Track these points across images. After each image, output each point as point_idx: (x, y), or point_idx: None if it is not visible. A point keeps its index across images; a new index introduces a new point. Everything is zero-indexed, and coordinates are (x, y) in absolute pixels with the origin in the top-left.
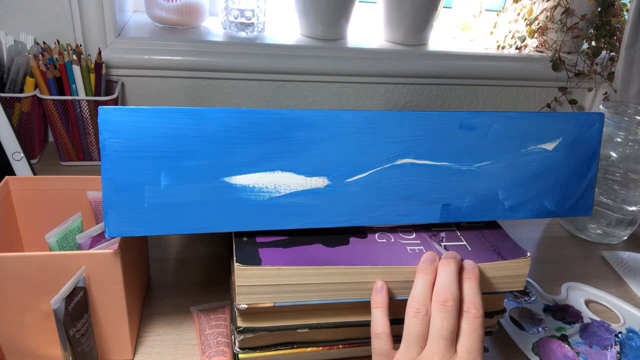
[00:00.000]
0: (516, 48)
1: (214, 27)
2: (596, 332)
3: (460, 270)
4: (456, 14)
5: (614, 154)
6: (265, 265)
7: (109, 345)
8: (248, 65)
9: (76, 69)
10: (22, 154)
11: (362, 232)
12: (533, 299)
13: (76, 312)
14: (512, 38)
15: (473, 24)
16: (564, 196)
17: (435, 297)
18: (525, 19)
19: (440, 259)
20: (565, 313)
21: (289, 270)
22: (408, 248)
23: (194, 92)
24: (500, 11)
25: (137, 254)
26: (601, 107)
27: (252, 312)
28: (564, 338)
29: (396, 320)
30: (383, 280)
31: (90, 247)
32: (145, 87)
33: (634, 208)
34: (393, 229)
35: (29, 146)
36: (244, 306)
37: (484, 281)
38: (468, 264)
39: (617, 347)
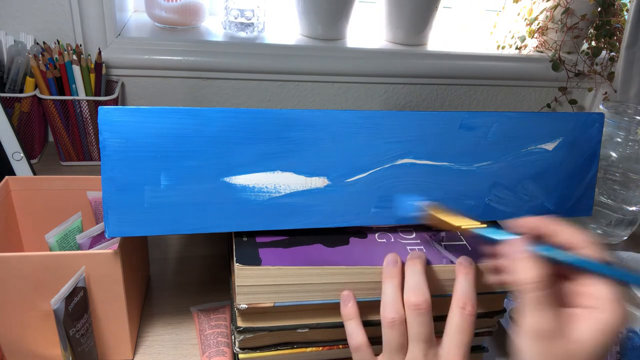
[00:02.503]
0: (516, 48)
1: (214, 27)
2: None
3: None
4: (456, 14)
5: (614, 154)
6: (265, 265)
7: (109, 345)
8: (248, 65)
9: (76, 69)
10: (22, 154)
11: (362, 232)
12: None
13: (76, 312)
14: (512, 38)
15: (473, 23)
16: (564, 196)
17: (407, 302)
18: (525, 19)
19: (405, 261)
20: None
21: (289, 271)
22: (408, 248)
23: (194, 92)
24: (500, 11)
25: (137, 254)
26: (601, 107)
27: (252, 312)
28: None
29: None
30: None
31: (90, 247)
32: (145, 87)
33: (634, 208)
34: (393, 229)
35: (29, 146)
36: (244, 306)
37: (484, 281)
38: (465, 259)
39: (617, 347)
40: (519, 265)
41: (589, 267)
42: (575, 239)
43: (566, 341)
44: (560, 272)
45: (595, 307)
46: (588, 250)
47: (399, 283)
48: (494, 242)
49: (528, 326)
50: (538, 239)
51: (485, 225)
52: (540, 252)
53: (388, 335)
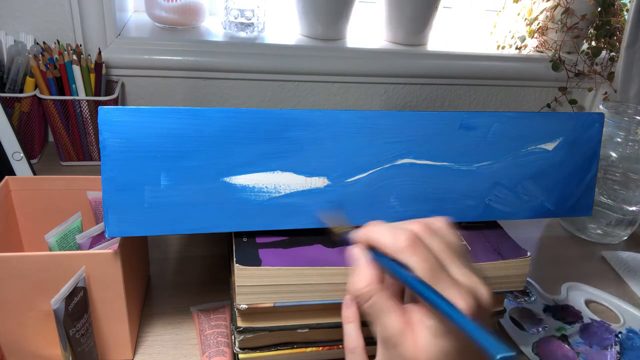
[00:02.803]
0: (516, 48)
1: (214, 27)
2: (596, 332)
3: None
4: (456, 14)
5: (614, 154)
6: (265, 265)
7: (109, 345)
8: (248, 65)
9: (76, 69)
10: (22, 154)
11: None
12: (533, 299)
13: (76, 312)
14: (512, 38)
15: (473, 24)
16: (564, 196)
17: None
18: (525, 19)
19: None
20: (565, 313)
21: (289, 271)
22: None
23: (194, 92)
24: (500, 11)
25: (137, 254)
26: (601, 107)
27: (252, 312)
28: (564, 338)
29: None
30: None
31: (90, 247)
32: (145, 87)
33: (634, 208)
34: None
35: (29, 146)
36: (244, 306)
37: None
38: None
39: (617, 347)
40: (356, 273)
41: (404, 278)
42: (386, 245)
43: (405, 348)
44: None
45: (417, 321)
46: (404, 254)
47: None
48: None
49: (377, 332)
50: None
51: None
52: (373, 258)
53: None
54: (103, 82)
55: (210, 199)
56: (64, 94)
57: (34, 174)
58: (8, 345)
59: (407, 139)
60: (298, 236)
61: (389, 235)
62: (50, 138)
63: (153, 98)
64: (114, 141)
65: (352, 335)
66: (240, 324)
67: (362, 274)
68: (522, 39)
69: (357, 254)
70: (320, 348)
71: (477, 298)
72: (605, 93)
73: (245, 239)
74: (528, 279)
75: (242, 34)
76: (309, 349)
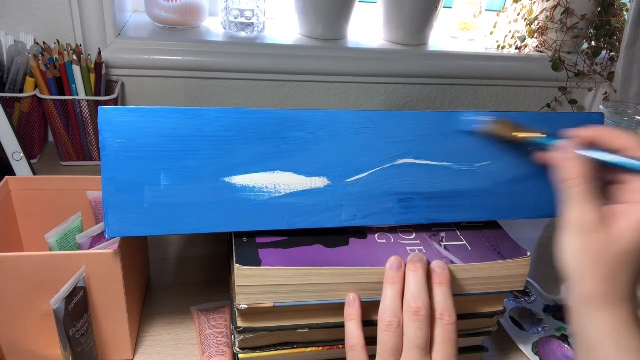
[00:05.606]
0: (516, 48)
1: (214, 27)
2: None
3: (428, 273)
4: (456, 14)
5: None
6: (265, 266)
7: (109, 345)
8: (248, 65)
9: (76, 69)
10: (22, 154)
11: (362, 232)
12: (533, 299)
13: (76, 312)
14: (512, 38)
15: (473, 24)
16: None
17: (407, 307)
18: (525, 19)
19: (407, 264)
20: (565, 313)
21: (289, 271)
22: (408, 248)
23: (194, 92)
24: (500, 11)
25: (137, 254)
26: (601, 107)
27: (252, 312)
28: (564, 338)
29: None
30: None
31: (90, 247)
32: (145, 87)
33: None
34: (393, 229)
35: (29, 146)
36: (244, 306)
37: (484, 281)
38: (438, 266)
39: None
40: (565, 164)
41: (634, 166)
42: (628, 142)
43: (606, 234)
44: (610, 179)
45: (637, 202)
46: (637, 151)
47: (400, 289)
48: (547, 148)
49: (571, 219)
50: (591, 145)
51: (540, 135)
52: (587, 154)
53: (384, 338)
54: (103, 82)
55: (210, 199)
56: (64, 94)
57: (34, 174)
58: (8, 345)
59: (407, 139)
60: (298, 236)
61: (619, 135)
62: (50, 138)
63: (153, 98)
64: (114, 141)
65: (353, 332)
66: (240, 324)
67: (576, 163)
68: (522, 39)
69: (570, 147)
70: (320, 348)
71: None
72: (605, 93)
73: (245, 239)
74: (528, 279)
75: (242, 34)
76: (309, 349)
